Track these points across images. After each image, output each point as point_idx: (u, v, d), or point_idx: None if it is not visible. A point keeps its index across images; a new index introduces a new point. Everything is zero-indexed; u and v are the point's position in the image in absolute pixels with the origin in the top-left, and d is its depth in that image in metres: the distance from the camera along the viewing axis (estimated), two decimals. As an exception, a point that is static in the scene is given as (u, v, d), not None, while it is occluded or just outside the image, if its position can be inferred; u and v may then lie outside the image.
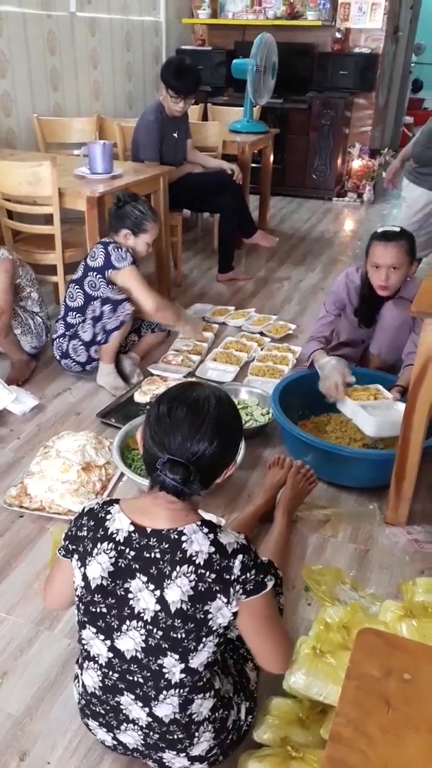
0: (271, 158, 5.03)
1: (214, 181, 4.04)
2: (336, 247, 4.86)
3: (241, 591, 1.15)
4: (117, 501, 1.24)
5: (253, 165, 4.68)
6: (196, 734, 1.25)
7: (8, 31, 3.76)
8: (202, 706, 1.24)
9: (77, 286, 2.79)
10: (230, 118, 4.77)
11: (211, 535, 1.17)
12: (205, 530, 1.17)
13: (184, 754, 1.27)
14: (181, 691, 1.21)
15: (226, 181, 4.03)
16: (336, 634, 1.51)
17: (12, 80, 3.87)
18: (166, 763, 1.30)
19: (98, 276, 2.75)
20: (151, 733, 1.26)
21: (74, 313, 2.80)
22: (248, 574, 1.16)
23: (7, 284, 2.70)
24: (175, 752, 1.27)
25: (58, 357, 2.88)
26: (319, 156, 5.89)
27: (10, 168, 3.07)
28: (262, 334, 3.39)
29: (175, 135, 3.86)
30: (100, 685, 1.27)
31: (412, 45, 7.64)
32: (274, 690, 1.47)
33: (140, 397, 2.69)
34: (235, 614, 1.17)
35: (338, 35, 5.74)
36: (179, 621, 1.15)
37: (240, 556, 1.16)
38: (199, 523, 1.18)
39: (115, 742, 1.33)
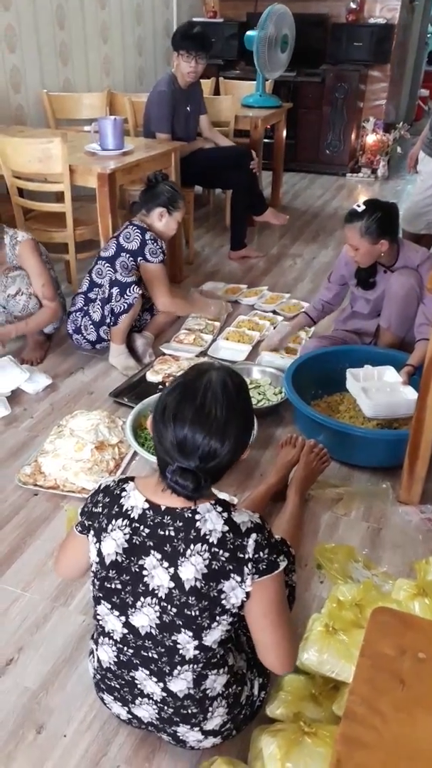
0: (284, 133, 4.95)
1: (226, 156, 3.99)
2: (349, 224, 4.79)
3: (254, 570, 1.15)
4: (132, 479, 1.25)
5: (266, 140, 4.61)
6: (210, 709, 1.27)
7: (17, 4, 3.70)
8: (216, 682, 1.25)
9: (108, 264, 2.79)
10: (242, 92, 4.69)
11: (225, 514, 1.17)
12: (219, 509, 1.17)
13: (197, 728, 1.29)
14: (195, 666, 1.22)
15: (239, 157, 3.98)
16: (348, 611, 1.52)
17: (21, 55, 3.82)
18: (180, 737, 1.31)
19: (130, 258, 2.79)
20: (166, 708, 1.27)
21: (98, 289, 2.80)
22: (261, 553, 1.16)
23: (43, 263, 2.72)
24: (189, 726, 1.29)
25: (70, 331, 2.88)
26: (332, 131, 5.79)
27: (21, 145, 3.04)
28: (275, 312, 3.37)
29: (188, 108, 3.81)
30: (115, 660, 1.28)
31: (428, 15, 7.43)
32: (287, 666, 1.48)
33: (152, 377, 2.69)
34: (248, 594, 1.17)
35: (353, 5, 5.61)
36: (193, 598, 1.15)
37: (254, 535, 1.16)
38: (213, 501, 1.18)
39: (130, 716, 1.35)
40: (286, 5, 4.50)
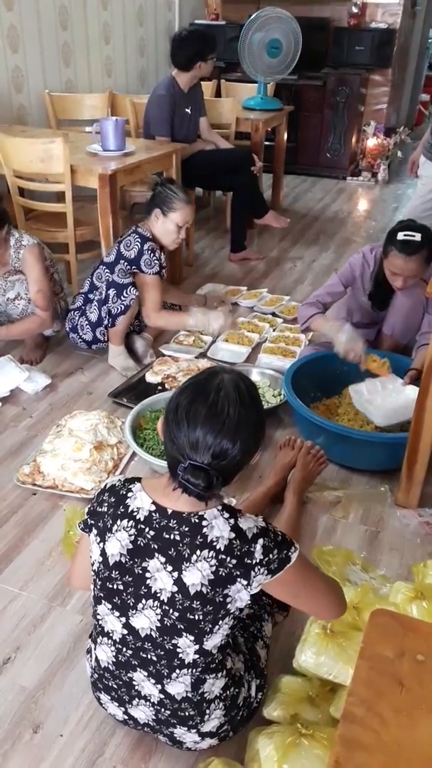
0: (285, 136, 4.95)
1: (227, 158, 4.00)
2: (349, 227, 4.80)
3: (265, 572, 1.15)
4: (139, 479, 1.24)
5: (267, 143, 4.62)
6: (207, 711, 1.27)
7: (20, 4, 3.70)
8: (214, 686, 1.25)
9: (108, 270, 2.76)
10: (244, 94, 4.69)
11: (232, 521, 1.16)
12: (226, 515, 1.17)
13: (195, 730, 1.29)
14: (194, 671, 1.22)
15: (240, 159, 3.98)
16: (346, 614, 1.52)
17: (23, 55, 3.82)
18: (177, 738, 1.31)
19: (128, 266, 2.75)
20: (163, 710, 1.27)
21: (97, 291, 2.80)
22: (271, 555, 1.16)
23: (44, 271, 2.70)
24: (186, 728, 1.28)
25: (68, 329, 2.88)
26: (333, 134, 5.80)
27: (22, 145, 3.04)
28: (274, 314, 3.37)
29: (188, 111, 3.81)
30: (114, 660, 1.28)
31: (430, 20, 7.45)
32: (285, 668, 1.49)
33: (152, 378, 2.69)
34: (253, 597, 1.17)
35: (355, 9, 5.62)
36: (198, 603, 1.15)
37: (261, 540, 1.15)
38: (219, 507, 1.18)
39: (126, 717, 1.35)
40: (288, 9, 4.51)
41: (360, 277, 2.55)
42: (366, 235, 4.64)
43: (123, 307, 2.68)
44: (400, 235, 2.28)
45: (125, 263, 2.74)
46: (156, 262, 2.73)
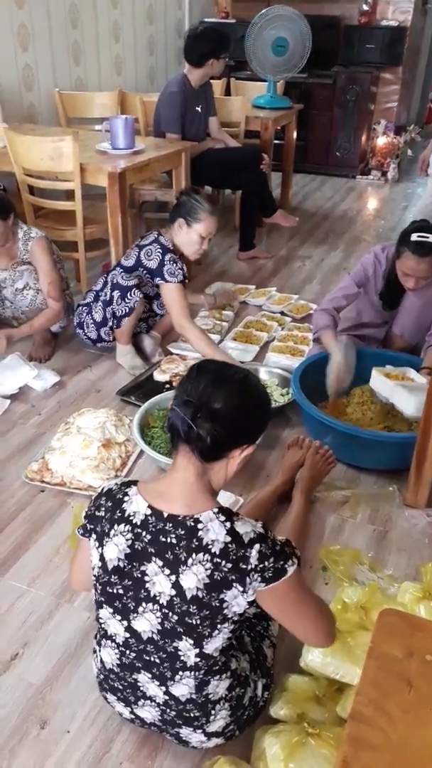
0: (295, 134, 4.94)
1: (236, 157, 3.99)
2: (359, 226, 4.79)
3: (259, 579, 1.14)
4: (135, 483, 1.24)
5: (276, 141, 4.61)
6: (213, 712, 1.27)
7: (30, 3, 3.71)
8: (219, 687, 1.25)
9: (126, 274, 2.74)
10: (253, 93, 4.69)
11: (228, 524, 1.15)
12: (222, 518, 1.16)
13: (200, 730, 1.28)
14: (197, 673, 1.21)
15: (249, 157, 3.98)
16: (354, 614, 1.51)
17: (34, 53, 3.83)
18: (183, 738, 1.31)
19: (147, 276, 2.76)
20: (168, 710, 1.27)
21: (102, 292, 2.80)
22: (266, 563, 1.14)
23: (53, 262, 2.72)
24: (191, 729, 1.28)
25: (75, 324, 2.90)
26: (343, 132, 5.78)
27: (32, 143, 3.05)
28: (282, 313, 3.37)
29: (199, 109, 3.81)
30: (118, 662, 1.28)
31: (441, 18, 7.41)
32: (291, 668, 1.48)
33: (160, 376, 2.69)
34: (251, 603, 1.16)
35: (365, 7, 5.60)
36: (194, 607, 1.15)
37: (257, 546, 1.14)
38: (215, 510, 1.17)
39: (133, 716, 1.35)
40: (297, 7, 4.50)
41: (372, 277, 2.54)
42: (375, 234, 4.62)
43: (127, 309, 2.68)
44: (414, 236, 2.26)
45: (145, 272, 2.75)
46: (179, 270, 2.71)
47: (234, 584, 1.13)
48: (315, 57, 4.74)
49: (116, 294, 2.68)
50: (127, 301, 2.67)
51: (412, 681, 0.82)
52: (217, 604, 1.14)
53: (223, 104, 4.29)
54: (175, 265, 2.72)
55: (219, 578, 1.13)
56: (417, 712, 0.79)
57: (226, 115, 4.29)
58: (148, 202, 3.94)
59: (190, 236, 2.74)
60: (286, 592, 1.18)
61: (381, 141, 5.93)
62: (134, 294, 2.68)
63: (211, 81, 3.96)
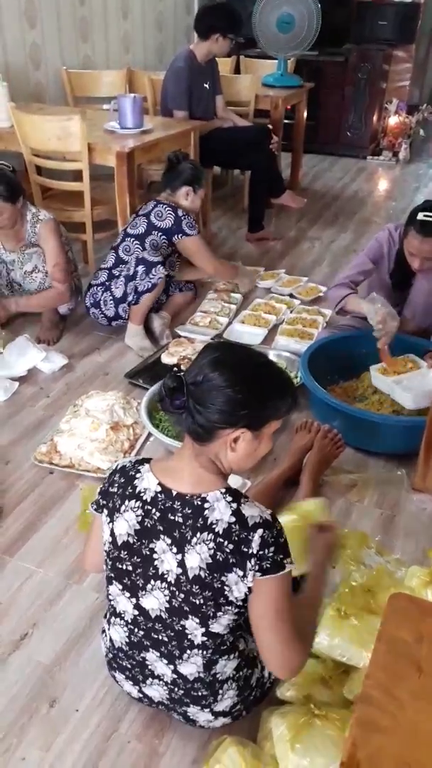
0: (305, 114, 4.87)
1: (245, 136, 3.94)
2: (369, 208, 4.73)
3: (257, 567, 1.11)
4: (149, 460, 1.25)
5: (286, 121, 4.55)
6: (220, 692, 1.28)
7: (37, -22, 3.66)
8: (226, 667, 1.26)
9: (137, 242, 2.79)
10: (263, 71, 4.62)
11: (234, 505, 1.14)
12: (229, 499, 1.15)
13: (208, 709, 1.30)
14: (204, 652, 1.22)
15: (258, 136, 3.93)
16: (360, 597, 1.52)
17: (41, 31, 3.78)
18: (191, 717, 1.33)
19: (162, 237, 2.78)
20: (176, 689, 1.28)
21: (123, 266, 2.81)
22: (266, 551, 1.11)
23: (60, 245, 2.72)
24: (199, 707, 1.30)
25: (88, 304, 2.89)
26: (354, 112, 5.69)
27: (39, 122, 3.02)
28: (291, 296, 3.34)
29: (206, 86, 3.76)
30: (127, 640, 1.29)
31: (455, -7, 7.26)
32: (298, 650, 1.49)
33: (168, 359, 2.68)
34: (250, 589, 1.14)
35: (378, -17, 5.49)
36: (197, 587, 1.15)
37: (260, 531, 1.12)
38: (223, 490, 1.16)
39: (141, 695, 1.36)
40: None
41: (386, 254, 2.51)
42: (386, 215, 4.57)
43: (150, 284, 2.69)
44: (420, 215, 2.24)
45: (159, 234, 2.78)
46: (193, 222, 2.83)
47: (234, 568, 1.12)
48: (326, 34, 4.65)
49: (141, 269, 2.69)
50: (151, 276, 2.68)
51: (422, 665, 0.82)
52: (219, 586, 1.14)
53: (232, 83, 4.23)
54: (189, 218, 2.81)
55: (221, 559, 1.13)
56: (426, 697, 0.79)
57: (235, 94, 4.22)
58: (156, 182, 3.90)
59: (195, 202, 2.88)
60: (276, 592, 1.13)
61: (393, 120, 5.84)
62: (159, 270, 2.69)
63: (221, 59, 3.90)
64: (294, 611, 1.17)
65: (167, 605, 1.19)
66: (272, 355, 2.65)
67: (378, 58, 5.48)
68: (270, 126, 4.08)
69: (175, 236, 2.80)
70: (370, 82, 5.55)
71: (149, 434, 2.24)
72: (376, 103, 5.68)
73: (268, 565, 1.11)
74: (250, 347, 1.26)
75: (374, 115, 5.74)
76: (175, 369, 1.16)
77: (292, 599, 1.17)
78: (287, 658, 1.18)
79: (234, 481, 2.03)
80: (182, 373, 1.13)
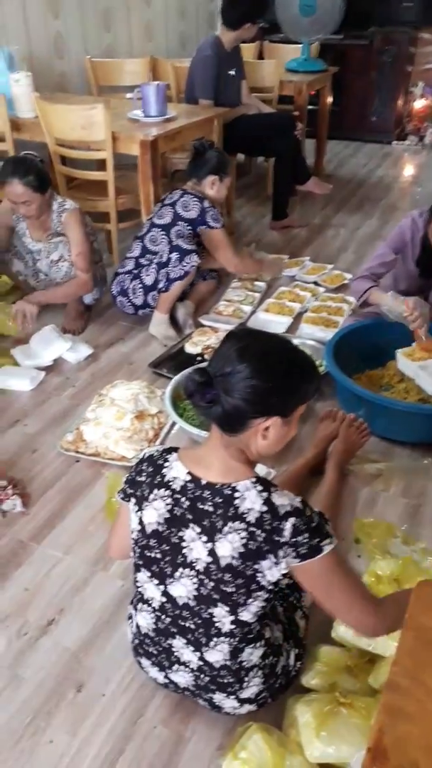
0: (330, 99, 4.80)
1: (270, 123, 3.90)
2: (395, 194, 4.66)
3: (294, 554, 1.12)
4: (176, 449, 1.25)
5: (310, 107, 4.49)
6: (246, 679, 1.28)
7: (60, -32, 3.65)
8: (252, 655, 1.26)
9: (163, 232, 2.79)
10: (287, 56, 4.56)
11: (265, 494, 1.15)
12: (259, 488, 1.15)
13: (233, 696, 1.30)
14: (231, 640, 1.23)
15: (283, 124, 3.89)
16: (386, 586, 1.51)
17: (64, 21, 3.78)
18: (217, 704, 1.33)
19: (188, 227, 2.79)
20: (202, 676, 1.29)
21: (151, 255, 2.81)
22: (300, 538, 1.12)
23: (84, 234, 2.73)
24: (225, 694, 1.30)
25: (115, 293, 2.89)
26: (379, 96, 5.60)
27: (64, 112, 3.03)
28: (316, 284, 3.31)
29: (232, 73, 3.73)
30: (153, 627, 1.30)
31: None
32: (323, 639, 1.49)
33: (191, 348, 2.68)
34: (284, 574, 1.16)
35: (404, -37, 5.37)
36: (229, 576, 1.15)
37: (292, 519, 1.12)
38: (253, 480, 1.17)
39: (167, 681, 1.37)
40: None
41: (410, 242, 2.47)
42: (412, 201, 4.50)
43: (182, 272, 2.69)
44: None
45: (185, 224, 2.78)
46: (218, 215, 2.82)
47: (268, 555, 1.13)
48: (350, 17, 4.58)
49: (174, 256, 2.70)
50: (184, 264, 2.69)
51: (449, 654, 0.81)
52: (251, 573, 1.15)
53: (256, 68, 4.19)
54: (214, 210, 2.80)
55: (254, 548, 1.13)
56: (453, 686, 0.78)
57: (259, 80, 4.18)
58: (180, 170, 3.89)
59: (221, 191, 2.88)
60: (322, 572, 1.16)
61: (418, 104, 5.74)
62: (192, 258, 2.70)
63: (244, 45, 3.86)
64: (350, 578, 1.20)
65: (195, 593, 1.20)
66: (296, 343, 2.62)
67: (403, 41, 5.38)
68: (296, 113, 4.03)
69: (199, 227, 2.80)
70: (396, 66, 5.45)
71: (173, 423, 2.25)
72: (401, 86, 5.58)
73: (305, 551, 1.12)
74: (272, 333, 1.25)
75: (399, 99, 5.64)
76: (198, 359, 1.16)
77: (343, 566, 1.20)
78: (358, 620, 1.20)
79: (258, 470, 2.02)
80: (206, 365, 1.12)
